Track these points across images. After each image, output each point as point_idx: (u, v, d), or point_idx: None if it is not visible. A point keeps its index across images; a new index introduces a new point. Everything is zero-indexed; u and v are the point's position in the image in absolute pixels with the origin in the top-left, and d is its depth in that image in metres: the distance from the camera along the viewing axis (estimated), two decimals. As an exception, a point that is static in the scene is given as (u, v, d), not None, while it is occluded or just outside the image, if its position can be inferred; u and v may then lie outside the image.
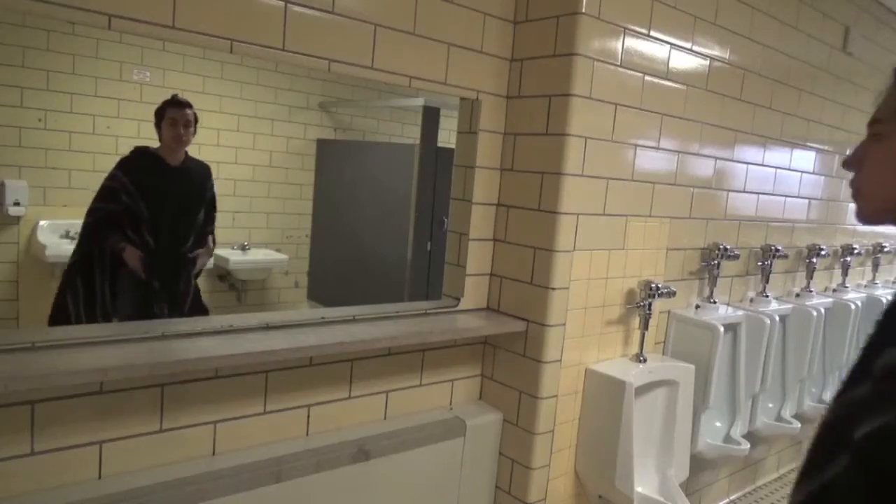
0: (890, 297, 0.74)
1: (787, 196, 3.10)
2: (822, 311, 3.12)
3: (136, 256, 2.41)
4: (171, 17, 1.49)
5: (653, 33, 2.19)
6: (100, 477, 1.53)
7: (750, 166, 2.80)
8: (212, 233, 2.66)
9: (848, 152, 0.86)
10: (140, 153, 2.45)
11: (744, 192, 2.82)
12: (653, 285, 2.27)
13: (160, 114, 2.42)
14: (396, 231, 3.14)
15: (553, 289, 2.05)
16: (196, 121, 2.49)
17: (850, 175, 0.85)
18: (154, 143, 2.90)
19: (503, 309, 2.22)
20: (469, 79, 2.07)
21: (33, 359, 1.38)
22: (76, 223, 3.06)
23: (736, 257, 2.72)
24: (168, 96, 3.30)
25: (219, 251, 3.33)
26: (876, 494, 0.57)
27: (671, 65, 2.27)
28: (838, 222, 3.57)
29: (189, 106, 2.45)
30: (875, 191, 0.82)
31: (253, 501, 1.66)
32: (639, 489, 2.21)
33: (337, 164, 3.72)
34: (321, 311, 2.00)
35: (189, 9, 1.51)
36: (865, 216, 0.85)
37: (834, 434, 0.66)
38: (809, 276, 3.33)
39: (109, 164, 3.11)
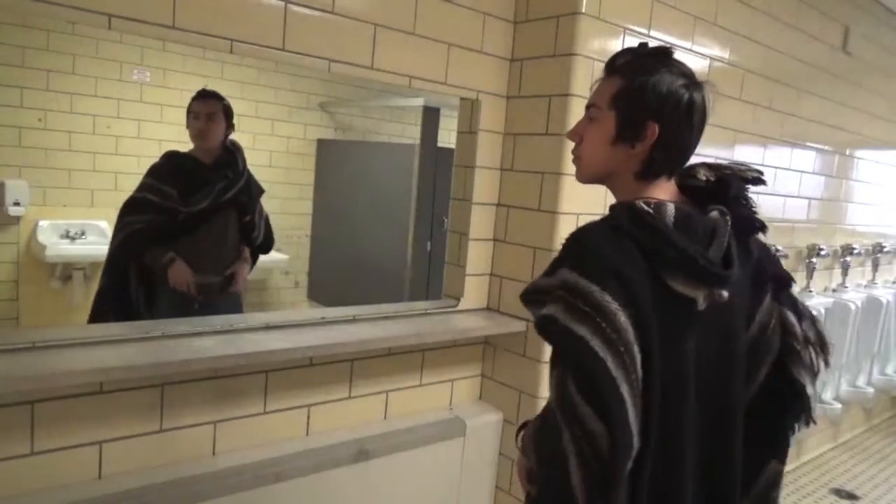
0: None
1: (787, 196, 3.10)
2: (822, 311, 3.12)
3: (184, 271, 2.21)
4: (171, 17, 1.49)
5: (653, 33, 2.19)
6: (100, 477, 1.53)
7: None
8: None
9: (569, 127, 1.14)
10: (170, 156, 2.28)
11: (744, 192, 2.81)
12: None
13: (187, 110, 2.26)
14: (396, 231, 3.13)
15: (553, 289, 2.05)
16: (227, 113, 2.28)
17: (572, 145, 1.14)
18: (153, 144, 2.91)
19: (503, 309, 2.22)
20: (469, 79, 2.07)
21: (33, 359, 1.38)
22: (76, 223, 3.07)
23: (736, 257, 2.71)
24: (171, 96, 3.31)
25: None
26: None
27: (671, 65, 2.27)
28: (838, 222, 3.57)
29: (214, 97, 2.26)
30: (589, 160, 1.11)
31: (253, 501, 1.66)
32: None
33: (337, 164, 3.72)
34: (321, 311, 2.00)
35: (189, 9, 1.51)
36: (583, 178, 1.15)
37: (538, 299, 1.01)
38: (809, 276, 3.33)
39: (109, 164, 3.12)
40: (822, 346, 1.13)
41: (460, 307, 2.20)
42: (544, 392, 2.10)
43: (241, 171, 2.32)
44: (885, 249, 3.91)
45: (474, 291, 2.23)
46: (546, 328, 0.95)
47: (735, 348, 1.06)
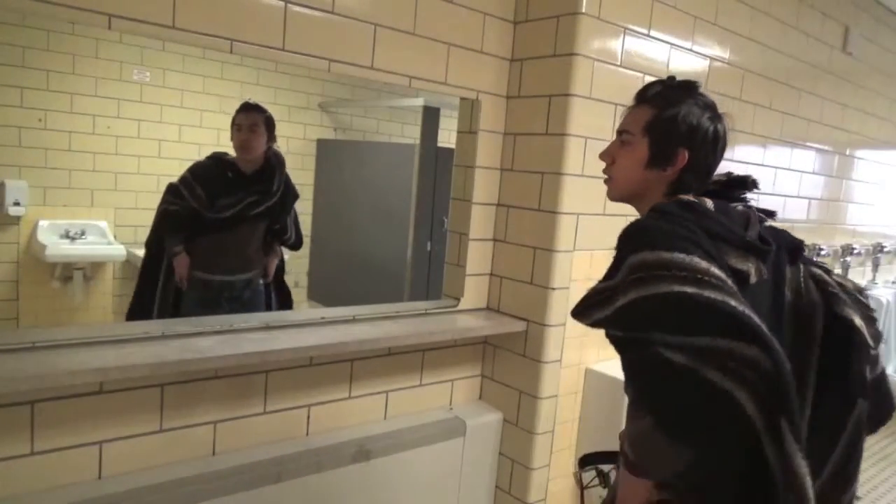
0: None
1: (787, 196, 3.10)
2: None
3: (184, 266, 2.32)
4: (171, 17, 1.49)
5: (653, 33, 2.19)
6: (100, 477, 1.53)
7: (750, 166, 2.80)
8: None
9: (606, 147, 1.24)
10: (214, 159, 2.36)
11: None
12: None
13: (231, 122, 2.34)
14: (396, 231, 3.13)
15: (553, 289, 2.05)
16: (269, 124, 2.35)
17: (603, 165, 1.24)
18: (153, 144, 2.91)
19: (503, 309, 2.21)
20: (469, 79, 2.07)
21: (33, 359, 1.38)
22: (76, 223, 3.06)
23: (736, 257, 2.72)
24: (171, 96, 3.31)
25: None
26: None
27: (671, 65, 2.27)
28: (838, 222, 3.57)
29: (257, 109, 2.34)
30: (622, 180, 1.21)
31: (253, 501, 1.66)
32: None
33: (337, 164, 3.72)
34: (321, 311, 2.00)
35: (189, 9, 1.51)
36: (615, 196, 1.24)
37: (604, 298, 1.07)
38: (809, 276, 3.32)
39: (109, 164, 3.12)
40: (859, 290, 1.21)
41: (460, 307, 2.20)
42: (544, 392, 2.10)
43: (274, 191, 2.38)
44: (885, 249, 3.92)
45: (474, 291, 2.23)
46: (633, 310, 0.98)
47: (771, 320, 1.10)
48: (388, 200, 3.29)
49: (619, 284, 1.02)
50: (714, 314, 0.91)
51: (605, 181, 1.24)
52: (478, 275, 2.23)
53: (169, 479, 1.56)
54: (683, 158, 1.13)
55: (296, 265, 3.82)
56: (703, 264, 0.95)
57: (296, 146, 3.76)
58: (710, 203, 1.11)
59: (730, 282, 0.95)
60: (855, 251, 3.62)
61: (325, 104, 3.85)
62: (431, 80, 1.99)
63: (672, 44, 2.26)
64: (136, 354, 1.48)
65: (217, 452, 1.71)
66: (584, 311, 1.13)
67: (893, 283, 4.09)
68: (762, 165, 2.87)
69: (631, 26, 2.11)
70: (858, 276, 3.85)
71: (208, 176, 2.30)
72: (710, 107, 1.18)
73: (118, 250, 3.04)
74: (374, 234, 3.41)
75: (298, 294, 3.91)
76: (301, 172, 3.79)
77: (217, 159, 2.35)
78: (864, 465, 3.91)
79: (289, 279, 3.87)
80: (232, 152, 2.36)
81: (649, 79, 2.21)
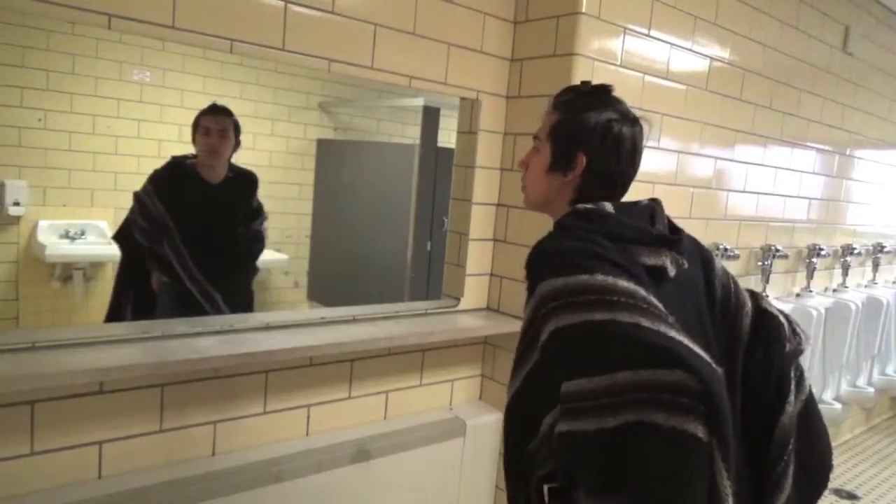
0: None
1: (787, 196, 3.10)
2: (823, 311, 3.12)
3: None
4: (171, 17, 1.50)
5: (653, 33, 2.19)
6: (100, 477, 1.53)
7: (750, 166, 2.80)
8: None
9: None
10: (174, 166, 2.23)
11: (744, 192, 2.82)
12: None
13: (195, 125, 2.22)
14: (396, 231, 3.13)
15: (553, 289, 2.05)
16: (237, 130, 2.25)
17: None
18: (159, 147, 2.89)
19: (503, 309, 2.21)
20: (469, 79, 2.07)
21: (33, 359, 1.38)
22: (76, 223, 3.06)
23: (736, 257, 2.71)
24: (171, 96, 3.30)
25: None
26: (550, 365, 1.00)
27: (671, 65, 2.27)
28: (838, 222, 3.57)
29: (227, 113, 2.23)
30: (531, 188, 1.20)
31: (253, 501, 1.66)
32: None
33: (337, 164, 3.72)
34: (321, 311, 2.00)
35: (189, 9, 1.51)
36: (527, 204, 1.23)
37: (528, 339, 1.07)
38: (809, 276, 3.33)
39: (109, 164, 3.11)
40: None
41: (460, 307, 2.20)
42: (544, 392, 2.10)
43: (249, 215, 2.29)
44: (886, 249, 3.91)
45: (474, 291, 2.23)
46: (551, 345, 0.94)
47: (706, 316, 1.12)
48: (388, 200, 3.29)
49: (540, 316, 0.98)
50: (628, 344, 0.86)
51: (522, 189, 1.23)
52: (478, 275, 2.23)
53: (169, 479, 1.56)
54: (581, 162, 1.10)
55: (296, 265, 3.82)
56: (608, 281, 0.90)
57: (296, 146, 3.76)
58: (608, 205, 1.07)
59: (641, 291, 0.90)
60: (855, 251, 3.62)
61: (325, 104, 3.85)
62: (431, 80, 1.99)
63: (672, 44, 2.26)
64: (136, 354, 1.48)
65: (217, 452, 1.71)
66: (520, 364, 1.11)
67: (894, 283, 4.09)
68: (762, 165, 2.87)
69: (631, 26, 2.11)
70: (858, 276, 3.85)
71: (168, 188, 2.17)
72: (620, 111, 1.13)
73: (118, 250, 3.04)
74: (374, 234, 3.40)
75: (298, 294, 3.91)
76: (301, 172, 3.79)
77: (176, 166, 2.21)
78: (864, 465, 3.91)
79: (288, 279, 3.88)
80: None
81: (649, 79, 2.24)
